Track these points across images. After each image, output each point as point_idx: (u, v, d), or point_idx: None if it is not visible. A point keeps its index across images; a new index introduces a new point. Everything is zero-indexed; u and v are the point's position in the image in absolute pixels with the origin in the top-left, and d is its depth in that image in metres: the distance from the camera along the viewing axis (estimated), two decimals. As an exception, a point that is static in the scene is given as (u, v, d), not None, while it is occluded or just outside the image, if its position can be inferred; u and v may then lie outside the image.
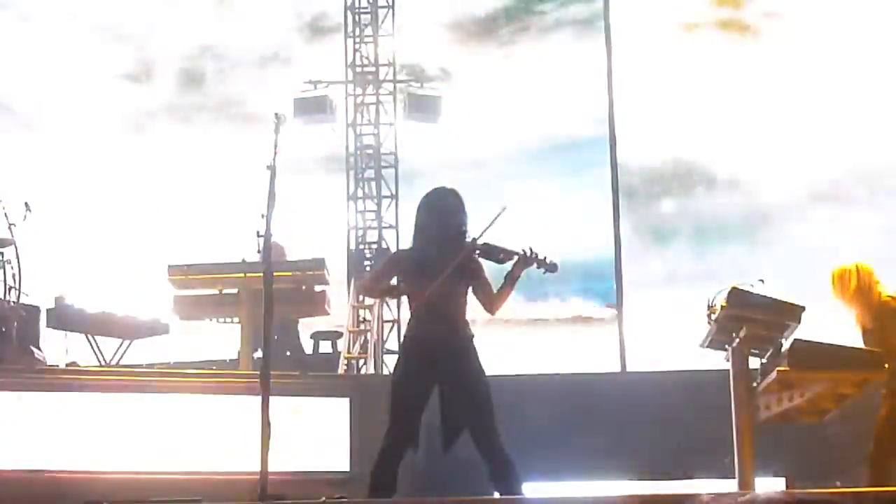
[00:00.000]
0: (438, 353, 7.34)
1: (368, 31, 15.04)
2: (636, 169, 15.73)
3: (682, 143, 15.91)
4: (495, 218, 7.44)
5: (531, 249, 7.52)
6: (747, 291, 8.61)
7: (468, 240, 7.46)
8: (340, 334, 13.39)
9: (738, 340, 8.54)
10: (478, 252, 7.45)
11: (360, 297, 13.52)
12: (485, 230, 7.45)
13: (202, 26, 16.91)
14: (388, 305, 13.39)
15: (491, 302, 7.56)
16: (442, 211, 7.55)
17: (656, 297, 15.36)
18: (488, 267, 7.58)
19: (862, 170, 15.44)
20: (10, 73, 16.41)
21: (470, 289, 7.54)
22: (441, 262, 7.33)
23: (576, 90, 16.15)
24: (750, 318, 8.53)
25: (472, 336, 7.51)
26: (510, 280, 7.51)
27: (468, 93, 16.18)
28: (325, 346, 13.40)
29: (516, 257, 7.48)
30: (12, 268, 11.70)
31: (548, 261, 7.51)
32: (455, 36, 16.52)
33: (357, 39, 14.99)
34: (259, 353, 10.85)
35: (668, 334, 14.56)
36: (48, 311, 12.41)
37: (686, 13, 16.06)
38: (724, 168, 15.81)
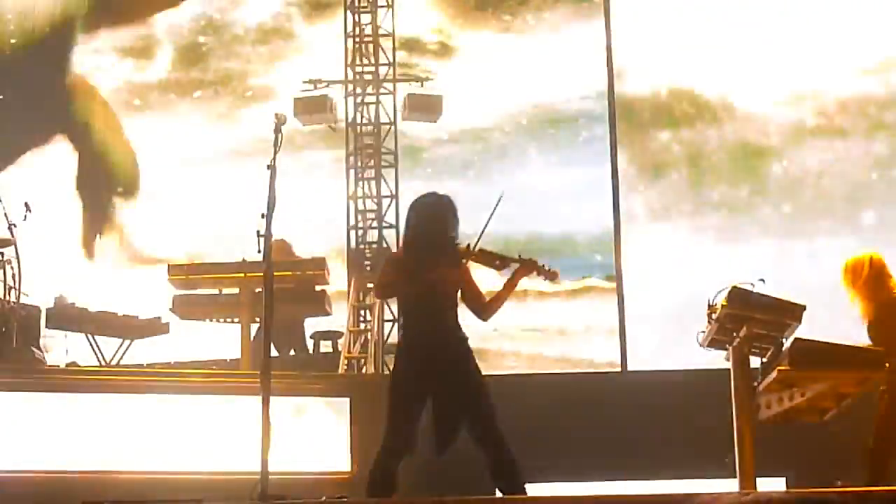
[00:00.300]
0: (434, 355, 7.31)
1: (368, 30, 15.00)
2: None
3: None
4: (494, 208, 7.43)
5: (531, 258, 7.49)
6: (748, 291, 8.61)
7: (463, 246, 7.43)
8: (341, 334, 13.38)
9: (738, 340, 8.54)
10: (473, 258, 7.42)
11: (361, 297, 13.53)
12: (484, 227, 7.43)
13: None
14: (388, 305, 13.36)
15: (482, 309, 7.54)
16: (434, 217, 7.50)
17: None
18: (489, 273, 7.56)
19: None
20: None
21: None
22: (433, 269, 7.33)
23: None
24: (750, 318, 8.52)
25: (466, 338, 7.49)
26: (508, 287, 7.48)
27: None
28: (326, 346, 13.38)
29: (516, 265, 7.45)
30: (12, 268, 11.65)
31: (547, 268, 7.48)
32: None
33: (356, 39, 14.96)
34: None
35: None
36: (48, 310, 12.38)
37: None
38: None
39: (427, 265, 7.32)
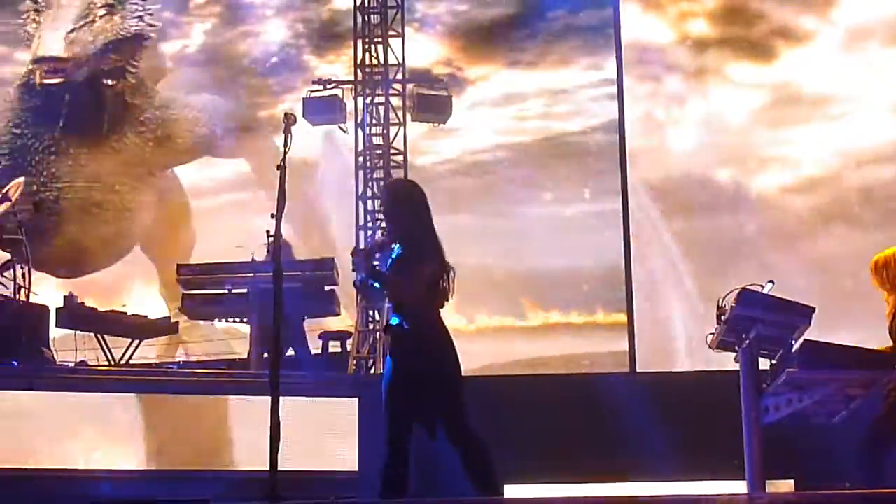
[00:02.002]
0: (443, 352, 7.22)
1: (378, 31, 14.95)
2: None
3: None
4: None
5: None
6: (757, 292, 8.60)
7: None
8: (349, 334, 13.36)
9: (747, 341, 8.53)
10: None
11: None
12: None
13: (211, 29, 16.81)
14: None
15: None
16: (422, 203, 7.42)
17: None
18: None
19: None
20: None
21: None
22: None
23: (585, 97, 16.05)
24: (759, 319, 8.51)
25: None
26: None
27: (475, 97, 16.09)
28: (335, 347, 13.36)
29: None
30: (22, 267, 11.68)
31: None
32: (463, 40, 16.41)
33: (366, 39, 14.92)
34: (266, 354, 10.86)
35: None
36: (57, 310, 12.40)
37: (694, 28, 15.83)
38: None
39: (435, 256, 7.27)
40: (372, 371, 12.70)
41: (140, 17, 16.40)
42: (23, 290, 11.65)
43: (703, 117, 15.58)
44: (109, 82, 16.12)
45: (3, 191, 12.06)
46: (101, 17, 16.12)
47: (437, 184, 14.94)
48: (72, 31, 15.96)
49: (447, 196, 15.25)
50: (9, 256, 11.81)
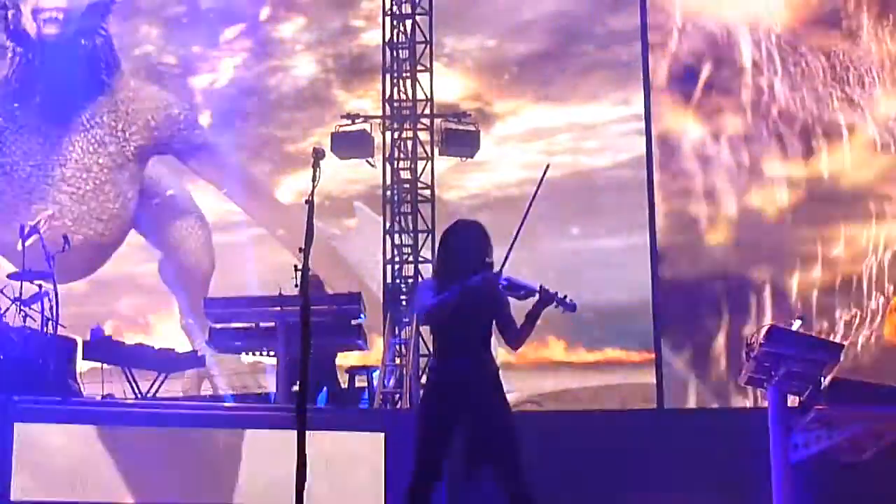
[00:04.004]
0: (464, 386, 7.22)
1: (406, 66, 14.99)
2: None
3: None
4: (539, 182, 7.38)
5: (550, 289, 7.30)
6: (786, 329, 8.58)
7: (492, 272, 7.35)
8: (376, 368, 13.34)
9: (776, 378, 8.50)
10: (501, 286, 7.36)
11: (397, 331, 13.47)
12: (527, 209, 7.39)
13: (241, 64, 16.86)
14: (423, 339, 13.30)
15: (514, 337, 7.43)
16: (469, 240, 7.44)
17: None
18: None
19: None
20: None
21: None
22: (472, 297, 7.24)
23: (614, 132, 16.03)
24: (788, 356, 8.48)
25: (498, 369, 7.42)
26: (531, 318, 7.32)
27: (504, 132, 16.08)
28: (361, 381, 13.33)
29: (536, 295, 7.36)
30: (50, 300, 11.68)
31: (567, 300, 7.28)
32: (492, 75, 16.43)
33: (395, 74, 14.95)
34: (296, 387, 10.82)
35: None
36: (85, 343, 12.34)
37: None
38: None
39: (469, 287, 7.22)
40: (398, 406, 12.68)
41: None
42: (50, 322, 11.66)
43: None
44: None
45: (32, 222, 12.12)
46: None
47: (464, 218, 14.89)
48: None
49: (474, 231, 15.23)
50: (36, 289, 11.84)
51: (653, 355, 15.02)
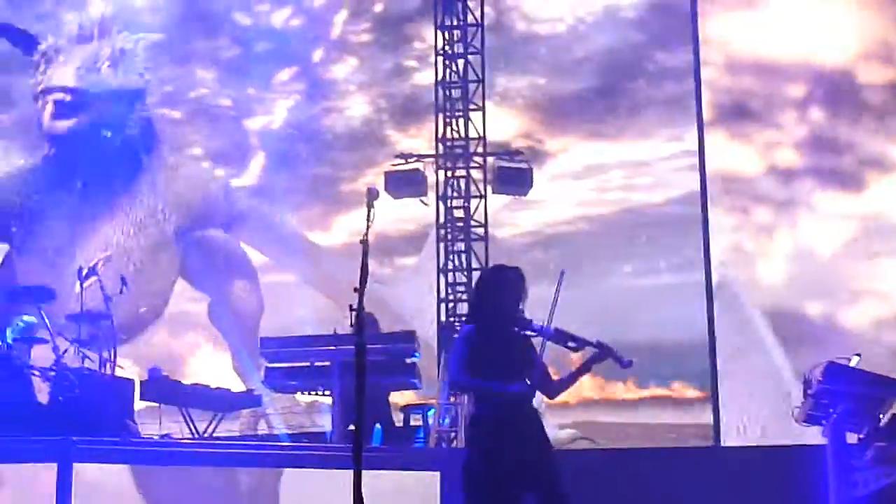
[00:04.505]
0: (512, 433, 7.14)
1: (459, 105, 14.96)
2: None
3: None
4: (558, 287, 7.25)
5: (607, 344, 7.26)
6: (844, 365, 8.48)
7: (537, 323, 7.29)
8: (431, 407, 13.26)
9: (834, 416, 8.40)
10: (549, 336, 7.29)
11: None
12: (552, 308, 7.28)
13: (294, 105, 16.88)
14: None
15: (550, 388, 7.37)
16: (501, 290, 7.44)
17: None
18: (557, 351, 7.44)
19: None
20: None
21: None
22: (504, 345, 7.21)
23: (666, 168, 15.92)
24: (846, 393, 8.38)
25: (538, 412, 7.36)
26: (582, 371, 7.30)
27: (555, 170, 15.99)
28: (416, 419, 13.25)
29: (592, 350, 7.27)
30: (108, 341, 11.73)
31: (624, 358, 7.21)
32: (543, 113, 16.36)
33: (447, 113, 14.93)
34: (351, 426, 10.78)
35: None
36: (142, 383, 12.41)
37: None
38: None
39: (499, 337, 7.22)
40: (454, 444, 12.60)
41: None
42: (108, 363, 11.69)
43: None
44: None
45: (90, 264, 12.16)
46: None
47: (516, 256, 14.84)
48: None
49: (526, 268, 15.09)
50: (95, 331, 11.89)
51: (702, 393, 14.92)
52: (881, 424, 8.38)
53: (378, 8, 17.04)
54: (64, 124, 16.04)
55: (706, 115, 15.64)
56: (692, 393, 15.08)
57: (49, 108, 16.00)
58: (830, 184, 15.38)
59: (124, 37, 16.43)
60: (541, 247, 15.82)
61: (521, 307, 7.34)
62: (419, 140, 16.16)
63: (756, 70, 15.74)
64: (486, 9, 15.56)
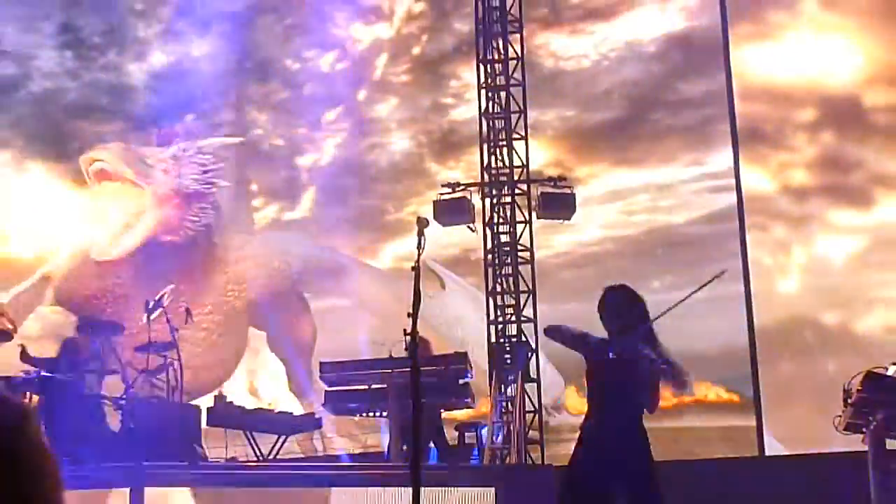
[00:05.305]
0: (616, 445, 6.90)
1: (502, 135, 14.64)
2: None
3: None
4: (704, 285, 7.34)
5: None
6: (882, 375, 8.13)
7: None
8: (484, 425, 12.92)
9: (874, 423, 8.04)
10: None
11: (503, 389, 13.06)
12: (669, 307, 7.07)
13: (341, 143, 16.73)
14: (528, 396, 12.89)
15: (652, 402, 7.15)
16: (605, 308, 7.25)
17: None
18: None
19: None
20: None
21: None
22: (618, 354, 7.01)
23: (687, 191, 15.64)
24: (886, 401, 8.06)
25: (643, 429, 7.09)
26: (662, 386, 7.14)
27: (585, 195, 15.64)
28: (470, 438, 12.91)
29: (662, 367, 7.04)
30: (175, 370, 11.58)
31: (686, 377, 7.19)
32: (572, 143, 16.14)
33: (491, 143, 14.63)
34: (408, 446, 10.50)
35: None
36: (208, 409, 12.19)
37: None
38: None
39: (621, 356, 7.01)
40: (507, 461, 12.24)
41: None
42: (176, 391, 11.54)
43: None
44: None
45: (157, 297, 11.98)
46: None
47: (552, 276, 14.78)
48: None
49: (561, 287, 14.95)
50: (162, 361, 11.69)
51: (739, 398, 14.58)
52: (920, 431, 8.00)
53: (416, 51, 16.93)
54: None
55: (723, 141, 15.41)
56: (729, 397, 14.71)
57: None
58: (841, 200, 15.25)
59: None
60: (574, 266, 15.59)
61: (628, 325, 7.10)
62: (457, 171, 15.96)
63: (769, 97, 15.56)
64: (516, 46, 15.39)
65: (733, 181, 15.22)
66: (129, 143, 16.25)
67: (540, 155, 15.57)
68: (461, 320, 15.48)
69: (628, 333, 7.05)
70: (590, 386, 7.15)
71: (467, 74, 15.81)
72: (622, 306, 7.20)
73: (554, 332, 7.34)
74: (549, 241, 15.59)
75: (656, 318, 7.19)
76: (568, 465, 7.30)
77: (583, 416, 7.26)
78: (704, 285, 7.42)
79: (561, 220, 14.70)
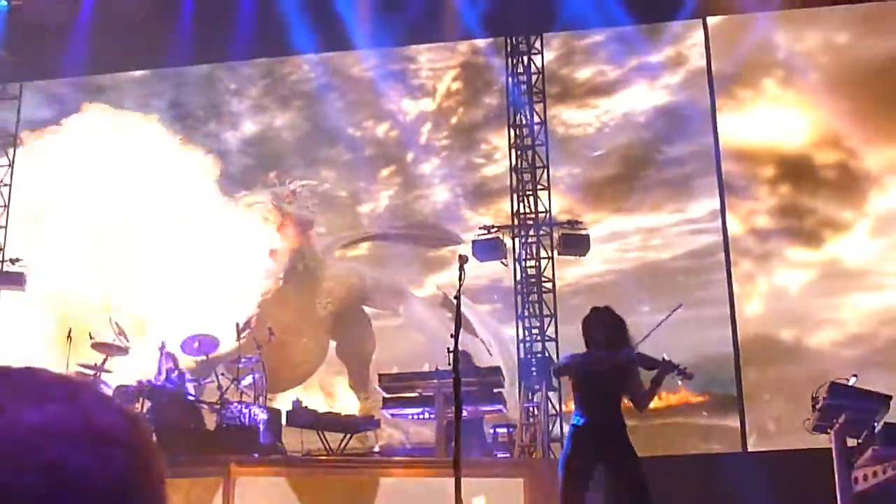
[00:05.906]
0: (600, 438, 6.65)
1: (528, 186, 14.47)
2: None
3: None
4: (666, 317, 7.14)
5: (671, 361, 6.85)
6: (844, 384, 7.95)
7: (627, 349, 6.79)
8: (515, 426, 12.71)
9: (837, 425, 7.84)
10: (633, 360, 6.79)
11: (530, 396, 12.84)
12: (646, 336, 6.95)
13: (393, 194, 16.55)
14: (551, 402, 12.67)
15: (641, 401, 6.91)
16: (591, 328, 7.02)
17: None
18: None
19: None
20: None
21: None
22: (605, 366, 6.77)
23: (672, 233, 15.39)
24: (847, 407, 7.87)
25: (625, 425, 6.79)
26: (655, 384, 6.86)
27: (592, 236, 15.33)
28: (503, 436, 12.67)
29: (660, 366, 6.75)
30: (260, 379, 11.50)
31: (686, 370, 6.86)
32: (580, 194, 15.90)
33: (520, 193, 14.47)
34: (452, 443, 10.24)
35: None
36: (287, 412, 11.99)
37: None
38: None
39: (603, 359, 6.80)
40: (534, 456, 12.04)
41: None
42: (261, 397, 11.44)
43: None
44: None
45: (244, 320, 11.88)
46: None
47: (564, 302, 14.54)
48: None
49: (571, 311, 14.68)
50: (249, 372, 11.62)
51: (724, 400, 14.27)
52: (875, 431, 7.80)
53: (453, 120, 16.79)
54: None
55: (701, 193, 15.33)
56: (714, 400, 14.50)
57: None
58: (796, 241, 15.08)
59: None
60: (581, 294, 15.33)
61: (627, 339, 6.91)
62: (487, 217, 15.77)
63: (738, 157, 15.43)
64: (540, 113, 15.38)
65: (709, 225, 15.11)
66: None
67: (555, 203, 15.49)
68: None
69: (616, 344, 6.84)
70: (576, 395, 6.94)
71: (495, 139, 15.95)
72: (605, 322, 7.04)
73: (556, 372, 7.67)
74: (561, 273, 15.44)
75: (641, 341, 7.00)
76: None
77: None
78: (667, 317, 7.28)
79: (577, 256, 14.54)
